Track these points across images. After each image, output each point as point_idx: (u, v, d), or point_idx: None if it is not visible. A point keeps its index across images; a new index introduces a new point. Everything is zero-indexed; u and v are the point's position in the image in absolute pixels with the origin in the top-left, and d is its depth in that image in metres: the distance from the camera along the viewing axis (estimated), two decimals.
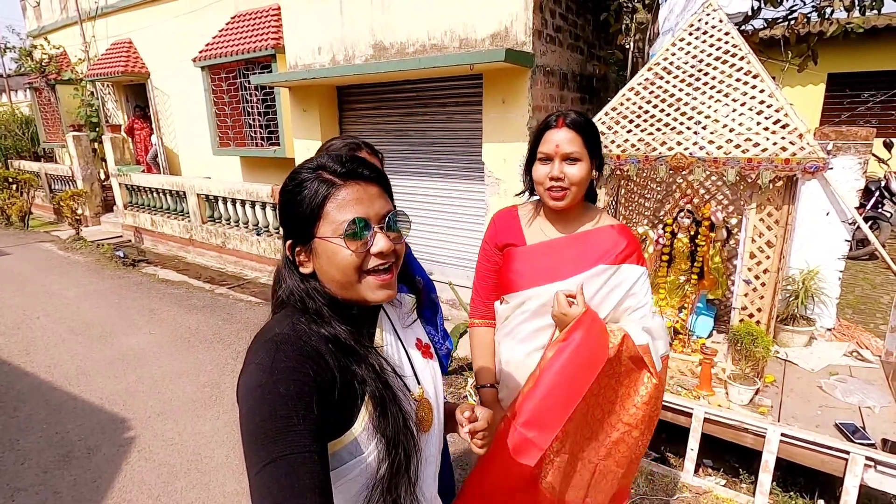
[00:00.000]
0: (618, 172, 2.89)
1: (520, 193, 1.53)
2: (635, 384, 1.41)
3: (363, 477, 0.82)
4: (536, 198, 1.48)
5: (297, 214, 0.85)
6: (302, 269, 0.88)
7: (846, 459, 2.19)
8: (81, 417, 3.31)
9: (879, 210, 6.11)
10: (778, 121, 2.46)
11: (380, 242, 0.84)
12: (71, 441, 3.06)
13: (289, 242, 0.88)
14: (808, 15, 4.08)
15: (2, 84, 15.87)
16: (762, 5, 4.07)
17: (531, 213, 1.51)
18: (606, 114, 2.94)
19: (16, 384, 3.75)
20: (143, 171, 8.74)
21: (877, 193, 6.14)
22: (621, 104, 2.91)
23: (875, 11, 3.81)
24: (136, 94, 9.61)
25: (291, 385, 0.74)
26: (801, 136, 2.37)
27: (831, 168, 3.08)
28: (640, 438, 1.42)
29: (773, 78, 2.74)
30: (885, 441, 2.23)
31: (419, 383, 0.97)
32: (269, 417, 0.72)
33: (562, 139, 1.32)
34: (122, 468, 2.81)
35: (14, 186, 10.20)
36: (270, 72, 6.33)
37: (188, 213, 7.39)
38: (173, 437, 3.08)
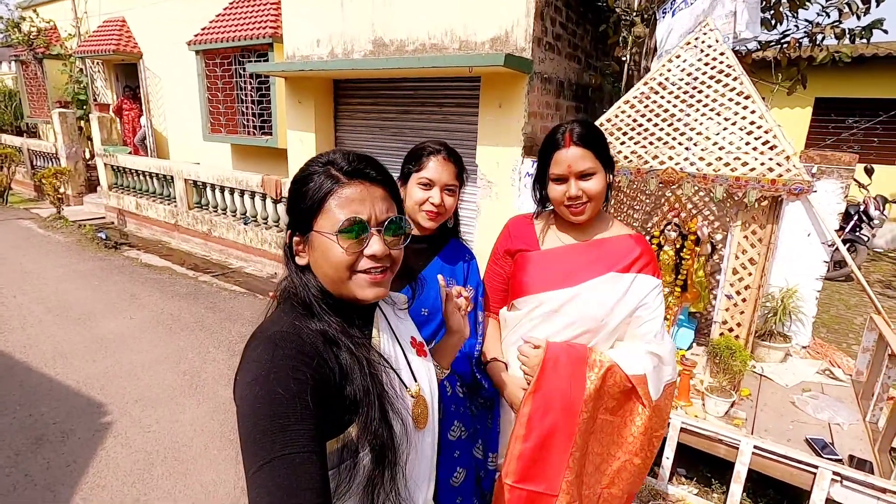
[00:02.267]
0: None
1: (536, 214, 1.54)
2: (630, 415, 1.38)
3: (359, 475, 0.83)
4: (550, 207, 1.48)
5: (301, 205, 0.86)
6: (298, 260, 0.89)
7: (814, 474, 2.26)
8: (57, 400, 3.25)
9: (857, 233, 6.29)
10: (766, 142, 2.52)
11: (374, 245, 0.84)
12: (45, 424, 3.01)
13: (289, 231, 0.90)
14: (800, 40, 4.19)
15: None
16: None
17: (546, 222, 1.51)
18: (601, 125, 2.98)
19: None
20: (131, 153, 8.59)
21: (855, 217, 6.31)
22: (616, 116, 2.96)
23: (864, 41, 3.93)
24: (127, 74, 9.44)
25: (290, 384, 0.74)
26: (787, 157, 2.44)
27: (815, 191, 3.17)
28: (642, 465, 1.41)
29: (763, 99, 2.81)
30: (851, 457, 2.31)
31: (415, 380, 0.98)
32: (266, 416, 0.72)
33: (573, 158, 1.29)
34: (97, 453, 2.77)
35: None
36: (267, 60, 6.28)
37: (175, 198, 7.29)
38: (151, 424, 3.04)
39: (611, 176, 1.37)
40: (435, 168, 1.39)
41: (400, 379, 0.93)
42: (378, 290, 0.87)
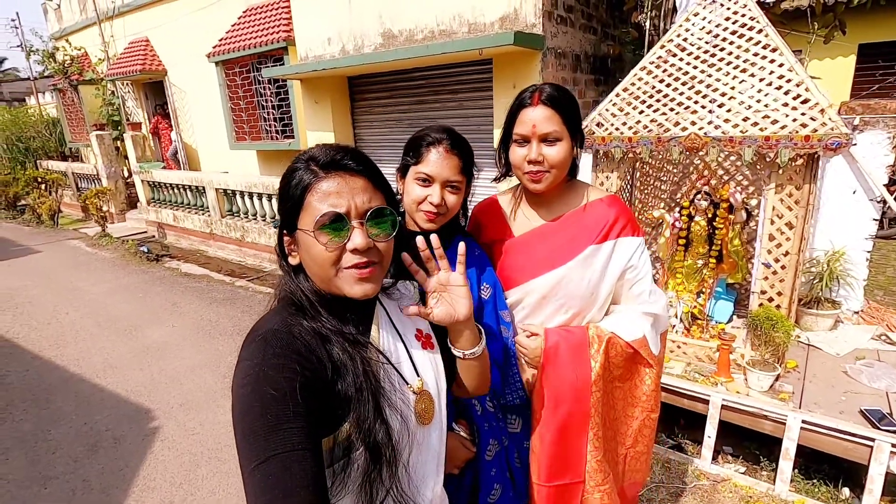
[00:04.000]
0: (630, 155, 2.81)
1: (496, 179, 1.43)
2: (639, 376, 1.40)
3: (354, 473, 0.81)
4: (515, 182, 1.41)
5: (285, 203, 0.85)
6: (291, 259, 0.88)
7: (871, 447, 2.11)
8: (108, 409, 3.42)
9: None
10: (798, 96, 2.34)
11: (356, 239, 0.81)
12: (99, 431, 3.17)
13: (282, 230, 0.88)
14: None
15: (29, 86, 16.34)
16: None
17: (513, 201, 1.43)
18: (618, 95, 2.85)
19: (47, 377, 3.90)
20: (164, 168, 8.92)
21: None
22: (633, 84, 2.82)
23: None
24: (155, 91, 9.77)
25: (280, 382, 0.73)
26: (822, 111, 2.26)
27: (855, 144, 2.94)
28: (657, 417, 1.45)
29: (799, 51, 2.61)
30: None
31: (419, 375, 0.95)
32: (259, 416, 0.71)
33: (538, 118, 1.21)
34: (146, 457, 2.90)
35: (43, 186, 10.54)
36: (282, 64, 6.36)
37: (208, 207, 7.53)
38: (195, 427, 3.16)
39: (577, 149, 1.29)
40: (435, 161, 1.20)
41: (400, 374, 0.91)
42: (366, 286, 0.84)
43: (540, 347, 1.29)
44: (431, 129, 1.25)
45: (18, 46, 17.64)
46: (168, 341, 4.42)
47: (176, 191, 8.13)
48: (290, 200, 0.83)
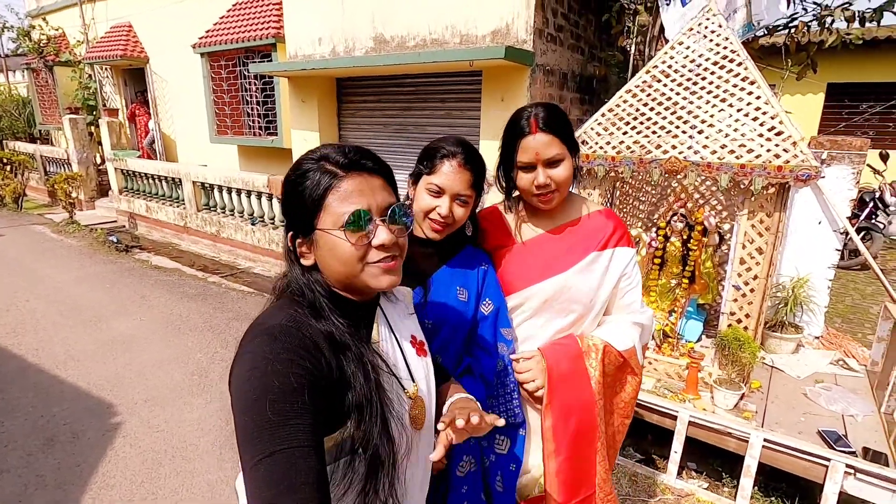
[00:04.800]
0: (612, 174, 2.89)
1: (505, 200, 1.46)
2: (622, 384, 1.46)
3: (353, 473, 0.82)
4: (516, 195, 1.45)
5: (299, 205, 0.84)
6: (303, 261, 0.87)
7: (827, 467, 2.20)
8: (68, 402, 3.29)
9: (873, 221, 6.15)
10: (773, 128, 2.46)
11: (381, 235, 0.83)
12: (56, 425, 3.05)
13: (290, 233, 0.87)
14: (809, 24, 4.09)
15: None
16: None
17: (517, 212, 1.46)
18: (603, 115, 2.94)
19: (2, 366, 3.73)
20: (140, 157, 8.68)
21: (871, 204, 6.17)
22: (617, 105, 2.90)
23: (875, 23, 3.83)
24: (135, 78, 9.54)
25: (289, 377, 0.73)
26: (794, 143, 2.37)
27: (823, 177, 3.09)
28: (629, 422, 1.51)
29: (773, 86, 2.74)
30: (865, 449, 2.25)
31: (413, 380, 0.96)
32: (264, 411, 0.71)
33: (540, 145, 1.25)
34: (106, 454, 2.80)
35: (8, 168, 10.11)
36: (270, 61, 6.30)
37: (183, 200, 7.35)
38: (159, 424, 3.07)
39: (576, 160, 1.34)
40: (448, 175, 1.21)
41: (399, 382, 0.92)
42: (392, 277, 0.86)
43: (542, 368, 1.30)
44: (447, 142, 1.25)
45: None
46: (135, 334, 4.28)
47: (151, 181, 7.92)
48: (308, 202, 0.83)
